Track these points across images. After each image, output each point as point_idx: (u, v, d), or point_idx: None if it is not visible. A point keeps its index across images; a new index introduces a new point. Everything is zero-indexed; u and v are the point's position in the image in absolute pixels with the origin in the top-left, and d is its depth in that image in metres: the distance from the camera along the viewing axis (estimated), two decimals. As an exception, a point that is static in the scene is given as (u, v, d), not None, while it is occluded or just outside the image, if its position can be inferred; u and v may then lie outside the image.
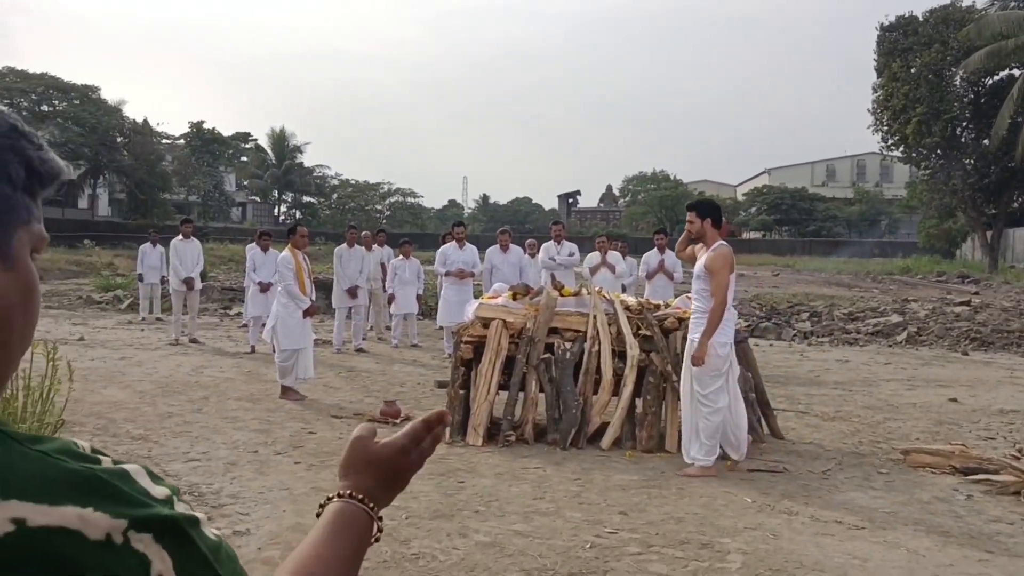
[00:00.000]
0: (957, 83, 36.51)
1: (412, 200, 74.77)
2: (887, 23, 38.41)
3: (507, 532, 4.96)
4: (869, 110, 39.70)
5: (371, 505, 1.06)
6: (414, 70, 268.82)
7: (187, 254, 13.50)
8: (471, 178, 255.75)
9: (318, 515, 1.05)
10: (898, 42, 37.50)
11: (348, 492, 1.06)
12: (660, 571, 4.42)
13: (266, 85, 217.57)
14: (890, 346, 15.13)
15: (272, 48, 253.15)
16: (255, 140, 67.21)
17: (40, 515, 0.66)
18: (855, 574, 4.45)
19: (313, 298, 9.39)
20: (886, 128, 38.87)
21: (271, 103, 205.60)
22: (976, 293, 24.36)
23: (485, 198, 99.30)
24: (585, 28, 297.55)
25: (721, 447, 6.48)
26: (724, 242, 6.41)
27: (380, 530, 1.07)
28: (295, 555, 0.97)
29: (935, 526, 5.30)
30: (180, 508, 0.74)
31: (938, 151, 37.48)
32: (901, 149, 39.56)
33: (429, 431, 1.13)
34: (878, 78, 38.98)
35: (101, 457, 0.74)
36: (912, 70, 36.56)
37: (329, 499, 1.06)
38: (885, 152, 43.69)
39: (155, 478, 0.76)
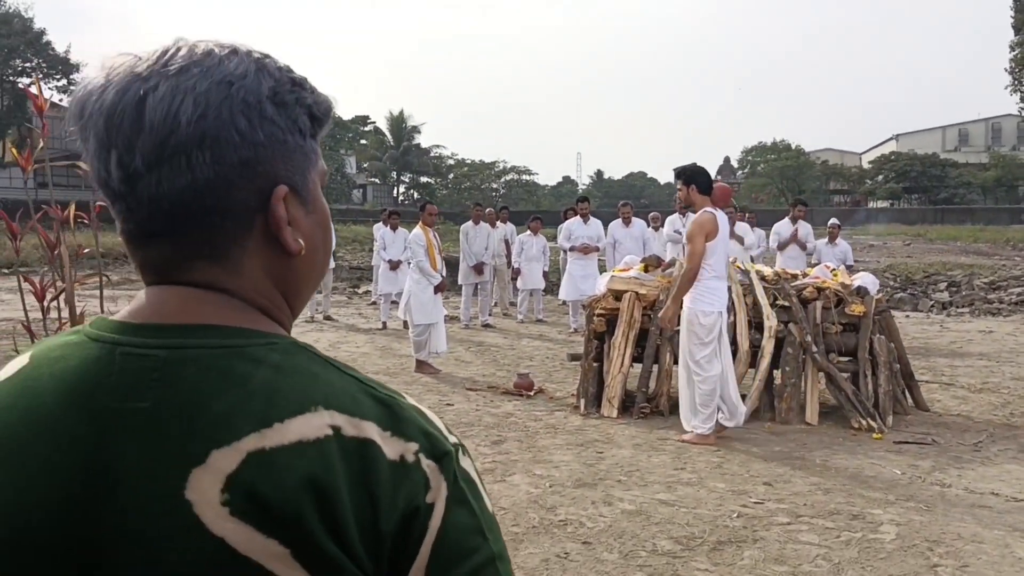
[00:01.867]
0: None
1: (527, 178, 74.92)
2: (1027, -25, 36.29)
3: (651, 501, 5.00)
4: (1006, 69, 37.69)
5: None
6: (525, 50, 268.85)
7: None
8: (585, 154, 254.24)
9: None
10: (1039, -5, 35.35)
11: None
12: (812, 541, 4.38)
13: (383, 67, 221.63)
14: (1037, 316, 14.38)
15: (386, 30, 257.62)
16: (373, 123, 68.55)
17: (352, 427, 0.74)
18: (1018, 546, 4.30)
19: (443, 274, 9.59)
20: (1026, 87, 36.75)
21: (388, 85, 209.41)
22: None
23: (599, 174, 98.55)
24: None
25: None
26: (708, 209, 6.21)
27: None
28: None
29: (1102, 500, 5.07)
30: (464, 464, 0.80)
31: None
32: (1043, 109, 37.34)
33: None
34: (1015, 35, 36.87)
35: (405, 394, 0.82)
36: (1055, 24, 34.42)
37: None
38: (1025, 113, 41.33)
39: (449, 429, 0.83)
